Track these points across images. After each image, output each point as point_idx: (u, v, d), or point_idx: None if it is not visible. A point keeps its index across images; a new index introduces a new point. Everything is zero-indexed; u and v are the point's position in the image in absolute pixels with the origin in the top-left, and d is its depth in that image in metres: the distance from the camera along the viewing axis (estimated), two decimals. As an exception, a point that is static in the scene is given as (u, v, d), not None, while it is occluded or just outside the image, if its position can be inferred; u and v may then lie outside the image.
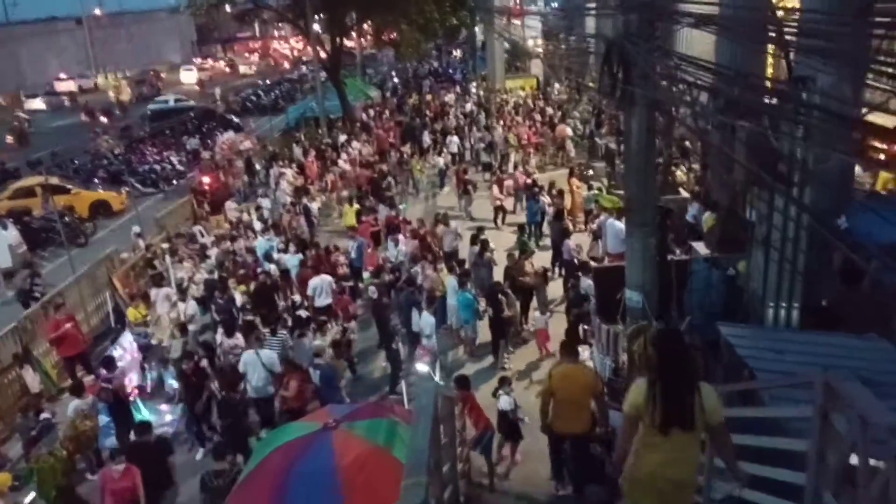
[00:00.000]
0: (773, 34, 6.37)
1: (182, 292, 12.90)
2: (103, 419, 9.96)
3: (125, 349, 11.14)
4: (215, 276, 13.83)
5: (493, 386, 9.21)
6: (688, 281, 9.10)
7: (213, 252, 15.63)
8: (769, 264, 7.98)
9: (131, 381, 10.89)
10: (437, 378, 9.43)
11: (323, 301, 12.41)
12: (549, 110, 28.13)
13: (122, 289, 14.79)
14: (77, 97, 53.66)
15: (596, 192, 17.30)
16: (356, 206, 17.91)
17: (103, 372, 10.02)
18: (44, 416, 9.86)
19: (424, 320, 11.06)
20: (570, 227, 15.35)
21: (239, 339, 10.73)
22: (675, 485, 4.17)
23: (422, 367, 9.45)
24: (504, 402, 8.65)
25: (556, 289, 13.46)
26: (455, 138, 24.70)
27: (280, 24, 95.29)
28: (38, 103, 50.72)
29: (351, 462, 5.30)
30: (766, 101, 6.71)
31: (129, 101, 49.81)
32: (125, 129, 34.38)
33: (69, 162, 28.13)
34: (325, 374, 9.60)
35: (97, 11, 76.01)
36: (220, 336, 11.33)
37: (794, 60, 7.09)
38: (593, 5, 13.46)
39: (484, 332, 11.95)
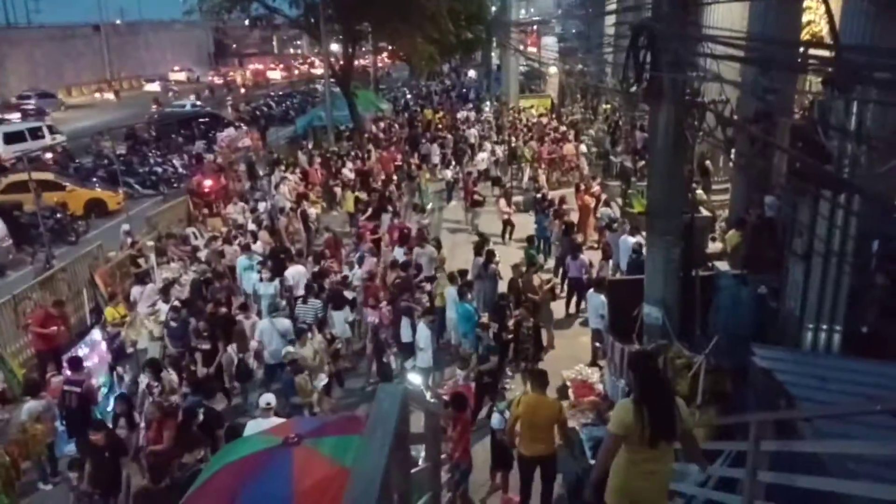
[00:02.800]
0: None
1: (165, 293, 12.03)
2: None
3: (94, 348, 10.23)
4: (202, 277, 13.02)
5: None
6: (713, 298, 8.18)
7: (203, 254, 14.83)
8: (809, 281, 7.06)
9: (97, 384, 9.96)
10: (427, 395, 8.47)
11: (299, 292, 12.15)
12: (563, 128, 27.35)
13: (104, 287, 13.96)
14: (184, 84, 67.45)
15: (608, 211, 16.41)
16: (356, 193, 17.90)
17: (68, 373, 9.13)
18: (-2, 418, 8.95)
19: (420, 332, 10.15)
20: (582, 242, 14.47)
21: (173, 376, 9.37)
22: (659, 490, 4.55)
23: (415, 378, 8.49)
24: (496, 421, 7.72)
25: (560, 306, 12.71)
26: (485, 154, 24.08)
27: (298, 42, 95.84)
28: (154, 86, 61.29)
29: (311, 486, 4.36)
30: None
31: (250, 85, 65.48)
32: (130, 131, 33.78)
33: (70, 160, 27.53)
34: (283, 384, 8.73)
35: (117, 21, 76.48)
36: (145, 377, 9.23)
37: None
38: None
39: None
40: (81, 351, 9.86)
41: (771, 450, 4.31)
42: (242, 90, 60.65)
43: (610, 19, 18.66)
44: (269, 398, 8.08)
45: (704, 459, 4.92)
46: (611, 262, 12.90)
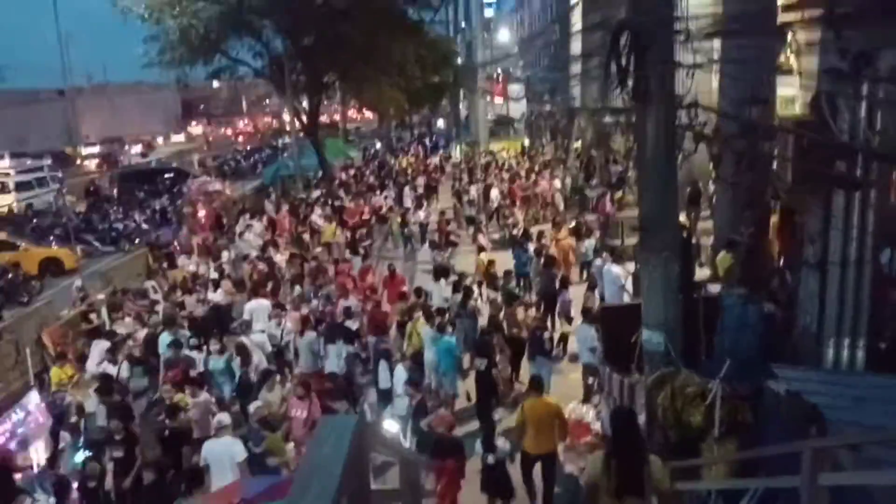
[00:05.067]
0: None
1: (112, 353, 10.96)
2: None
3: (30, 412, 9.11)
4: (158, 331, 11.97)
5: (475, 460, 7.51)
6: (717, 319, 7.44)
7: (160, 307, 13.80)
8: (826, 293, 6.37)
9: (36, 451, 8.85)
10: (406, 444, 7.52)
11: (260, 326, 11.78)
12: (536, 168, 27.02)
13: (54, 347, 12.86)
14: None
15: (592, 243, 15.78)
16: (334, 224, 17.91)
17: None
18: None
19: (398, 376, 9.26)
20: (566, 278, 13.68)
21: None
22: None
23: (391, 426, 7.56)
24: (501, 443, 7.37)
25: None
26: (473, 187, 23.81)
27: (266, 102, 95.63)
28: (180, 138, 74.56)
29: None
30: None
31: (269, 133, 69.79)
32: (93, 189, 32.82)
33: (27, 220, 26.47)
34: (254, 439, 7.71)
35: (84, 86, 75.63)
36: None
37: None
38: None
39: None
40: (15, 416, 8.76)
41: (829, 484, 3.49)
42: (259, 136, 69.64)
43: (576, 44, 18.41)
44: (222, 418, 7.83)
45: None
46: (596, 291, 12.19)
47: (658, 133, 6.66)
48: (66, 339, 13.36)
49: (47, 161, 44.69)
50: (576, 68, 20.15)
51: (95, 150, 60.18)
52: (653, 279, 7.06)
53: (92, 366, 10.95)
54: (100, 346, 11.47)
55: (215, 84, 70.73)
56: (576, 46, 18.34)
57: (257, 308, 12.14)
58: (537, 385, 7.80)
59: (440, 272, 13.72)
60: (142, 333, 12.50)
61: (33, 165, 37.59)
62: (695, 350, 7.17)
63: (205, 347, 11.01)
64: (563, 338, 11.88)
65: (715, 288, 10.13)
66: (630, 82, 6.59)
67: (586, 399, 9.60)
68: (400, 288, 13.29)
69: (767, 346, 7.23)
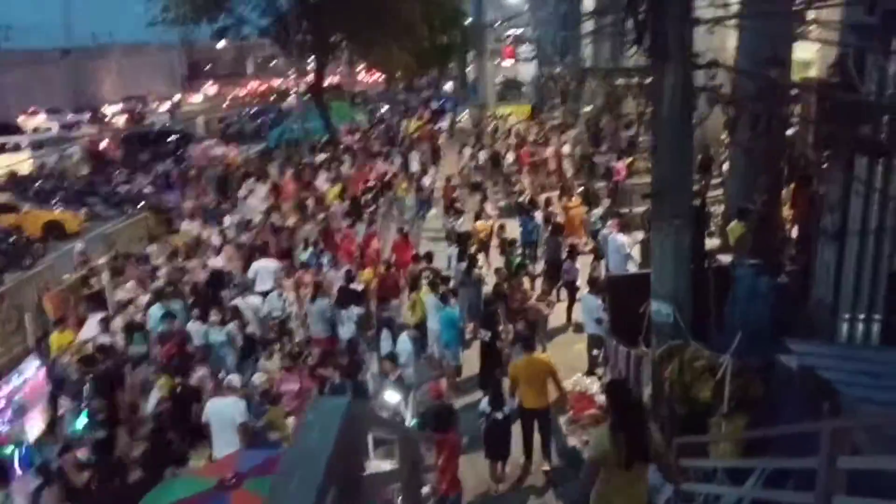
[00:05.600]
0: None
1: (105, 323, 10.77)
2: None
3: (28, 378, 9.00)
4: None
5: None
6: (728, 291, 7.21)
7: (163, 272, 13.65)
8: (843, 265, 6.12)
9: (32, 419, 8.76)
10: (408, 416, 7.38)
11: (264, 287, 11.50)
12: (543, 133, 26.56)
13: (54, 311, 12.76)
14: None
15: (600, 211, 15.46)
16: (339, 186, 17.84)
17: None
18: None
19: (401, 346, 9.11)
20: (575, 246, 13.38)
21: None
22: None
23: (392, 397, 7.41)
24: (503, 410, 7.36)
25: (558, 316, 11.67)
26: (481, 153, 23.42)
27: (272, 64, 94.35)
28: (199, 97, 70.96)
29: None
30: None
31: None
32: (96, 152, 32.53)
33: (29, 182, 26.28)
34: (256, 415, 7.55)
35: (88, 46, 74.78)
36: None
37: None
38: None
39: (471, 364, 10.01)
40: (14, 381, 8.66)
41: (849, 468, 3.29)
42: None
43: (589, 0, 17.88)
44: (231, 378, 7.95)
45: (679, 476, 5.24)
46: (602, 261, 11.97)
47: (675, 94, 6.35)
48: (66, 303, 13.25)
49: (86, 115, 46.26)
50: (588, 26, 19.61)
51: (117, 108, 59.37)
52: (663, 248, 6.82)
53: (86, 335, 10.78)
54: (96, 318, 11.33)
55: (220, 45, 69.16)
56: (588, 2, 17.76)
57: (263, 268, 11.99)
58: (526, 344, 7.90)
59: (460, 238, 13.58)
60: (144, 299, 12.41)
61: (73, 120, 39.39)
62: (704, 322, 6.96)
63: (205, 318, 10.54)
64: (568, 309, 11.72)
65: (726, 258, 9.89)
66: (647, 39, 6.29)
67: (591, 371, 9.45)
68: (411, 252, 13.12)
69: (780, 319, 7.03)
